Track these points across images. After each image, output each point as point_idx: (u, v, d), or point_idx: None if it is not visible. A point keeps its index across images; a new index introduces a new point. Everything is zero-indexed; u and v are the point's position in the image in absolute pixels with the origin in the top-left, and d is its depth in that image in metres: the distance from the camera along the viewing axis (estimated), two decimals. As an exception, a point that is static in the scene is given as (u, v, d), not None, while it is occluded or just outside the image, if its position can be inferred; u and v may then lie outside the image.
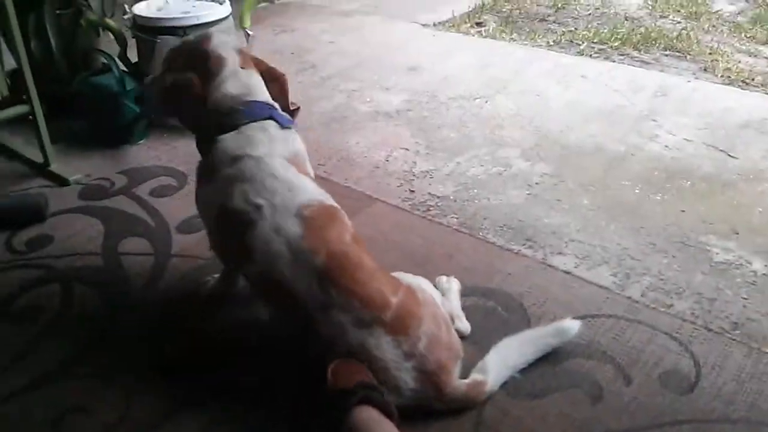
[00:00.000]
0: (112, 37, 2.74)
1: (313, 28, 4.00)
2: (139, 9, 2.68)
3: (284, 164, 1.49)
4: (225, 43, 1.60)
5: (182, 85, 1.54)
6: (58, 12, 2.65)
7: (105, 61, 2.66)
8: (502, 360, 1.47)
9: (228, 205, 1.43)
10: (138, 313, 1.74)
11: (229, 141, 1.48)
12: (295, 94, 2.97)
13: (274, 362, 1.55)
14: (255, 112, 1.52)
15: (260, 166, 1.45)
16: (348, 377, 1.29)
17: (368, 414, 1.24)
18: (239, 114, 1.51)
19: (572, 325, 1.54)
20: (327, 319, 1.33)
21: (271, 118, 1.53)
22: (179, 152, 2.48)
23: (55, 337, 1.66)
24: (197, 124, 1.60)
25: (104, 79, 2.53)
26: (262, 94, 1.58)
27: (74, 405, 1.47)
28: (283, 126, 1.54)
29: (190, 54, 1.59)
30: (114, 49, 2.71)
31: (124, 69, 2.63)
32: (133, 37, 2.70)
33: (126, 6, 2.72)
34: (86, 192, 2.27)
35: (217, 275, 1.79)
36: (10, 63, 2.31)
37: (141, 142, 2.59)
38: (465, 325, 1.63)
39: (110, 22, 2.70)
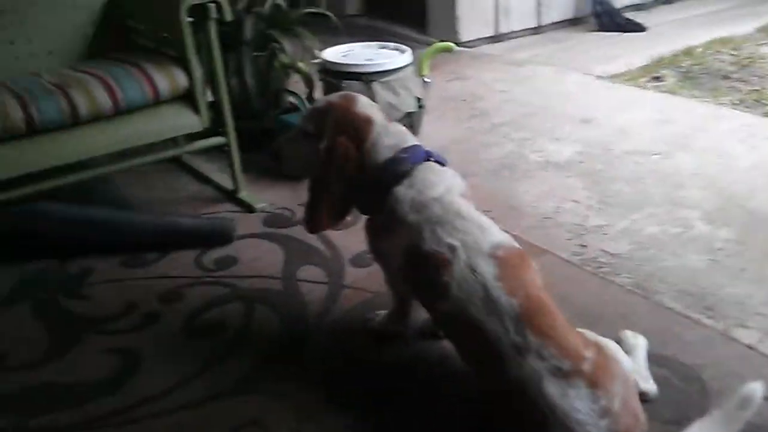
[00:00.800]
0: (300, 78, 2.96)
1: (485, 77, 4.07)
2: (327, 54, 2.88)
3: (465, 203, 1.52)
4: (369, 104, 1.64)
5: (340, 151, 1.55)
6: (255, 54, 2.90)
7: (293, 100, 2.87)
8: None
9: (421, 248, 1.45)
10: (312, 337, 1.84)
11: (406, 189, 1.52)
12: (464, 139, 3.08)
13: (443, 401, 1.59)
14: (417, 156, 1.56)
15: (445, 207, 1.48)
16: None
17: None
18: (404, 161, 1.54)
19: (755, 389, 1.36)
20: (521, 364, 1.30)
21: (429, 158, 1.57)
22: (355, 189, 2.61)
23: (235, 352, 1.79)
24: (354, 186, 1.59)
25: (293, 117, 2.74)
26: (413, 139, 1.62)
27: (249, 419, 1.56)
28: (443, 164, 1.59)
29: (340, 118, 1.59)
30: (302, 89, 2.92)
31: (311, 109, 2.81)
32: (320, 80, 2.89)
33: (315, 51, 2.92)
34: (270, 219, 2.44)
35: (382, 312, 1.85)
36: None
37: (321, 177, 2.74)
38: (652, 387, 1.57)
39: (301, 65, 2.91)
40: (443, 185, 1.52)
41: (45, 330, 1.91)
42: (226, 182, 2.65)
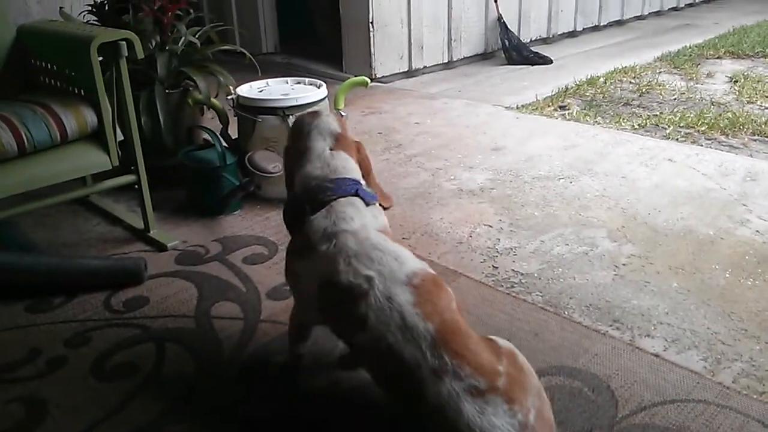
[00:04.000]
0: (214, 114, 2.95)
1: (399, 110, 4.16)
2: (242, 90, 2.87)
3: (381, 236, 1.53)
4: (324, 125, 1.69)
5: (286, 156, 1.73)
6: (167, 91, 2.87)
7: (207, 137, 2.84)
8: None
9: (335, 281, 1.45)
10: (227, 374, 1.80)
11: (321, 219, 1.53)
12: (381, 171, 3.13)
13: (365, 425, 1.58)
14: (342, 189, 1.57)
15: (360, 241, 1.49)
16: None
17: None
18: (326, 191, 1.57)
19: None
20: (439, 387, 1.30)
21: (356, 194, 1.58)
22: (271, 223, 2.59)
23: (147, 394, 1.73)
24: (289, 197, 1.69)
25: (207, 153, 2.72)
26: (349, 172, 1.63)
27: (163, 461, 1.52)
28: (368, 202, 1.59)
29: (297, 130, 1.73)
30: (216, 126, 2.90)
31: (225, 145, 2.80)
32: (234, 116, 2.88)
33: (230, 87, 2.92)
34: (182, 257, 2.39)
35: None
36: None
37: (236, 212, 2.73)
38: None
39: (215, 101, 2.91)
40: (359, 221, 1.53)
41: (-60, 383, 1.80)
42: (137, 221, 2.59)
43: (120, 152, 2.44)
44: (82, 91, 2.42)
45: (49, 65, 2.55)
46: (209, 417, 1.64)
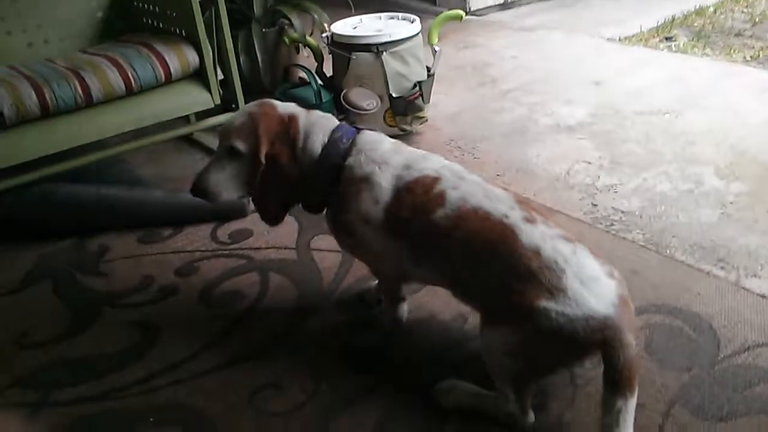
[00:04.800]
0: (310, 52, 2.97)
1: (495, 44, 4.05)
2: (336, 27, 2.87)
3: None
4: (285, 104, 1.62)
5: (283, 160, 1.55)
6: (264, 30, 2.91)
7: (303, 75, 2.88)
8: None
9: (402, 185, 1.48)
10: (327, 302, 1.87)
11: (356, 157, 1.53)
12: (475, 106, 3.08)
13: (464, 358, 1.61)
14: (349, 132, 1.58)
15: (402, 152, 1.55)
16: None
17: None
18: (341, 139, 1.56)
19: None
20: (532, 230, 1.34)
21: (358, 130, 1.60)
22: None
23: (252, 320, 1.82)
24: (295, 185, 1.58)
25: (303, 91, 2.75)
26: (335, 120, 1.62)
27: (268, 382, 1.60)
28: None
29: (269, 125, 1.56)
30: (312, 64, 2.92)
31: (321, 83, 2.83)
32: (329, 53, 2.90)
33: (325, 24, 2.93)
34: (282, 192, 2.46)
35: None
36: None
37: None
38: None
39: (310, 39, 2.92)
40: (388, 143, 1.57)
41: (66, 307, 1.95)
42: (239, 158, 2.67)
43: (221, 91, 2.51)
44: (183, 31, 2.49)
45: (150, 6, 2.63)
46: (310, 344, 1.72)
